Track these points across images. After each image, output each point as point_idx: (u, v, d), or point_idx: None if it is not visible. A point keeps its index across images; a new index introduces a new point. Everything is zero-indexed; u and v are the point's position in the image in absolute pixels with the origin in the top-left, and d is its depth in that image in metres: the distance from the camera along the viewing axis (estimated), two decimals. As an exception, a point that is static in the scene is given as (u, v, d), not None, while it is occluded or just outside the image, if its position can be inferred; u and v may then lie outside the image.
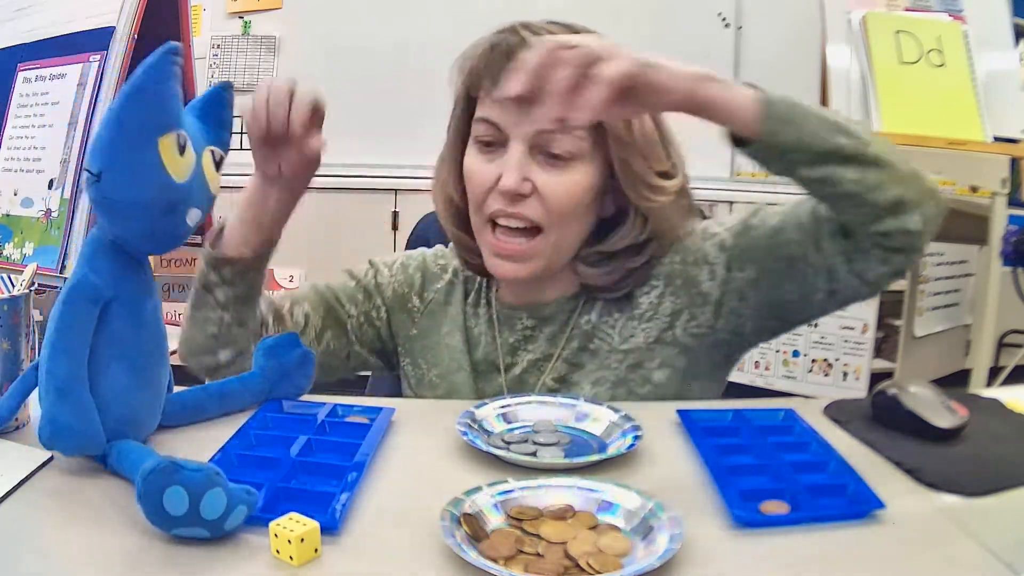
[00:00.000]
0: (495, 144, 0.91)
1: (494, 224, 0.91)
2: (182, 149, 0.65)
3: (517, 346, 0.98)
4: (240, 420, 0.77)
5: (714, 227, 0.95)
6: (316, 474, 0.67)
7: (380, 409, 0.80)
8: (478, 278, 1.02)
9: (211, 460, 0.67)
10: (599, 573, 0.53)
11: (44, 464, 0.67)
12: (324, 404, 0.81)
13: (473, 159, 0.93)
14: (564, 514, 0.61)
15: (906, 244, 0.83)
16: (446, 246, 1.08)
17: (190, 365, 0.96)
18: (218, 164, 0.71)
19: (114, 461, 0.65)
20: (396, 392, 1.16)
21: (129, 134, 0.63)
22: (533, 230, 0.90)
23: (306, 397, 0.84)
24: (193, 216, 0.67)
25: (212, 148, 0.70)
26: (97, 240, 0.68)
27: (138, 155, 0.63)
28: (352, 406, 0.81)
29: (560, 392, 0.93)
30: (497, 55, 0.89)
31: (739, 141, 0.80)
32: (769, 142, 0.78)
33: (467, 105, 0.95)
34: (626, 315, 0.95)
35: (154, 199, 0.64)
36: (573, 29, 0.90)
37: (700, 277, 0.93)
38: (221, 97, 0.73)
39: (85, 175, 0.64)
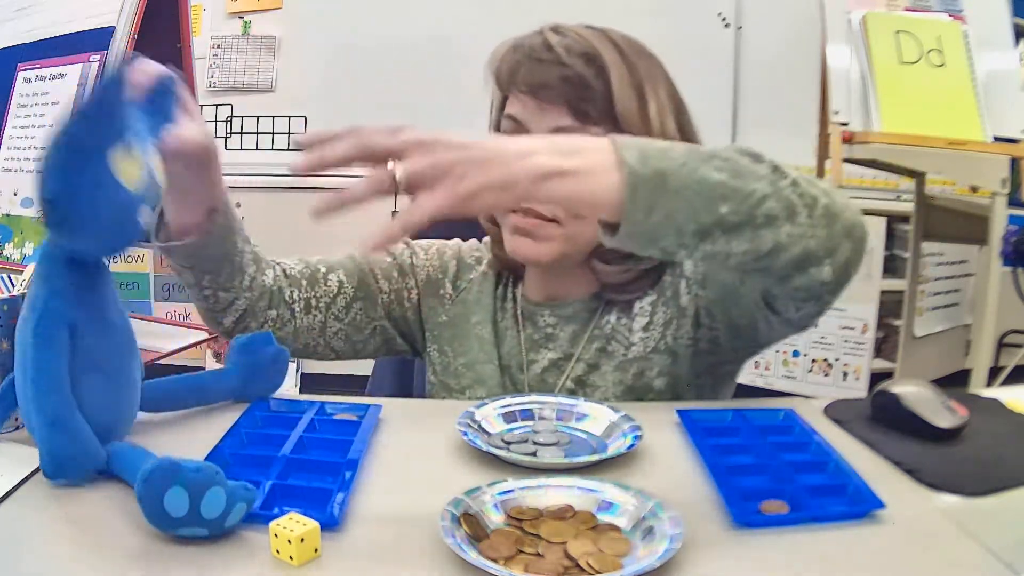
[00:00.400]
0: None
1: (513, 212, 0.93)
2: (132, 157, 0.65)
3: (540, 343, 0.99)
4: (228, 421, 0.77)
5: None
6: (312, 472, 0.67)
7: (368, 406, 0.81)
8: (507, 273, 1.04)
9: (206, 460, 0.66)
10: (599, 573, 0.53)
11: (44, 464, 0.67)
12: (312, 403, 0.81)
13: None
14: (564, 514, 0.61)
15: (818, 294, 0.75)
16: (479, 240, 1.09)
17: None
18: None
19: (110, 464, 0.65)
20: (397, 393, 1.17)
21: (79, 155, 0.62)
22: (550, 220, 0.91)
23: (298, 397, 0.84)
24: (145, 214, 0.67)
25: (160, 142, 0.70)
26: (51, 257, 0.66)
27: (92, 174, 0.62)
28: (340, 404, 0.82)
29: (578, 393, 0.93)
30: (520, 55, 0.91)
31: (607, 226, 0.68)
32: (633, 230, 0.65)
33: (502, 104, 0.96)
34: (634, 322, 0.95)
35: (112, 212, 0.64)
36: (607, 34, 0.91)
37: (680, 289, 0.94)
38: (167, 90, 0.72)
39: (39, 203, 0.62)
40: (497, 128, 0.96)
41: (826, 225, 0.70)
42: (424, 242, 1.09)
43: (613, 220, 0.65)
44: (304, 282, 0.99)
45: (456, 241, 1.10)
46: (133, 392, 0.72)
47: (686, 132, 0.94)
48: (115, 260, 3.25)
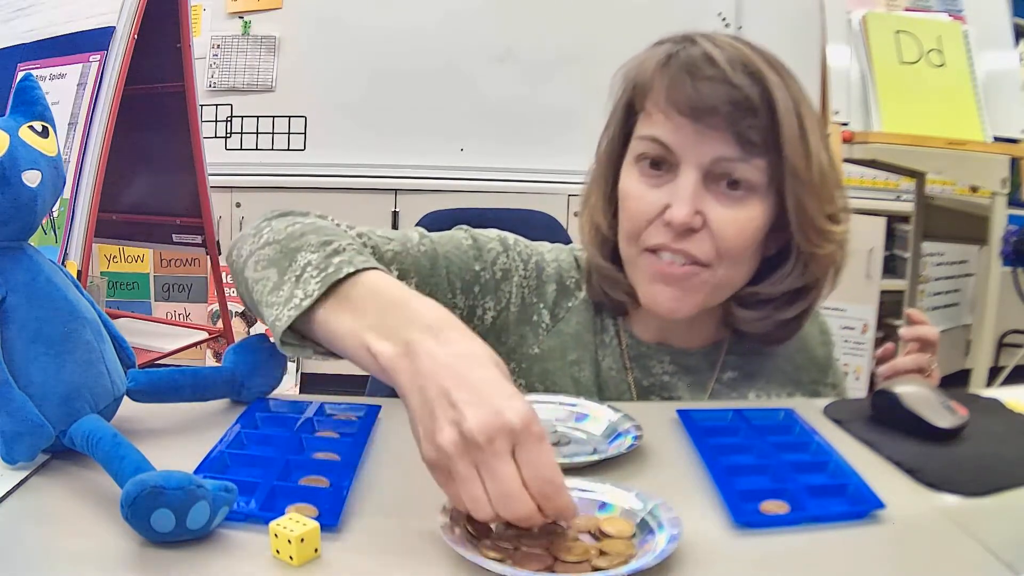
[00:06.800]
0: (663, 168, 0.81)
1: (652, 251, 0.83)
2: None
3: (649, 391, 0.91)
4: (227, 421, 0.77)
5: None
6: (312, 471, 0.67)
7: (368, 407, 0.81)
8: (604, 302, 0.92)
9: (204, 460, 0.67)
10: (607, 569, 0.53)
11: (42, 465, 0.67)
12: (311, 403, 0.81)
13: (634, 183, 0.83)
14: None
15: None
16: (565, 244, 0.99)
17: None
18: (42, 133, 0.71)
19: (83, 444, 0.64)
20: (397, 393, 1.16)
21: None
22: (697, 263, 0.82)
23: (298, 397, 0.84)
24: (31, 176, 0.66)
25: (30, 124, 0.70)
26: None
27: None
28: (340, 404, 0.82)
29: None
30: (675, 69, 0.80)
31: None
32: None
33: (627, 119, 0.86)
34: (766, 376, 0.92)
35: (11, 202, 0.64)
36: (752, 46, 0.82)
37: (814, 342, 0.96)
38: (25, 86, 0.73)
39: None
40: (624, 149, 0.85)
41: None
42: (521, 246, 0.93)
43: None
44: None
45: (555, 255, 0.95)
46: (87, 359, 0.69)
47: (836, 166, 0.85)
48: (113, 259, 3.25)
